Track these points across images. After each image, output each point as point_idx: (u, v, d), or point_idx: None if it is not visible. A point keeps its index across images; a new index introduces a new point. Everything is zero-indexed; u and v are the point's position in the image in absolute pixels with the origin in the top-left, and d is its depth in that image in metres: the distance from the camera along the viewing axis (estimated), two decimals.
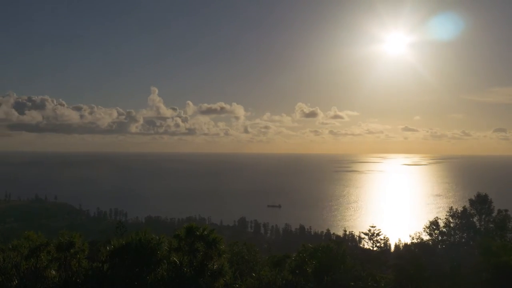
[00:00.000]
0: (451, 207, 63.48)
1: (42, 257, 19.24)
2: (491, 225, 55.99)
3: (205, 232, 20.04)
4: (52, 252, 19.47)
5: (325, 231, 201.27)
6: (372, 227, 54.62)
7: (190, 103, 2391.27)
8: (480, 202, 59.01)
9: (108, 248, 19.29)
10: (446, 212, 61.89)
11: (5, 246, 19.97)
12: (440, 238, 58.53)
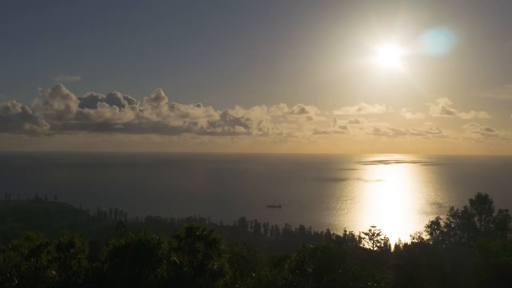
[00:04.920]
0: (452, 206, 63.36)
1: (42, 257, 19.24)
2: (491, 225, 55.93)
3: (205, 232, 20.05)
4: (52, 252, 19.48)
5: (325, 231, 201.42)
6: (373, 227, 54.51)
7: (284, 105, 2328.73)
8: (480, 202, 58.95)
9: (108, 248, 19.31)
10: (447, 212, 61.84)
11: (5, 246, 19.97)
12: (440, 238, 58.47)
